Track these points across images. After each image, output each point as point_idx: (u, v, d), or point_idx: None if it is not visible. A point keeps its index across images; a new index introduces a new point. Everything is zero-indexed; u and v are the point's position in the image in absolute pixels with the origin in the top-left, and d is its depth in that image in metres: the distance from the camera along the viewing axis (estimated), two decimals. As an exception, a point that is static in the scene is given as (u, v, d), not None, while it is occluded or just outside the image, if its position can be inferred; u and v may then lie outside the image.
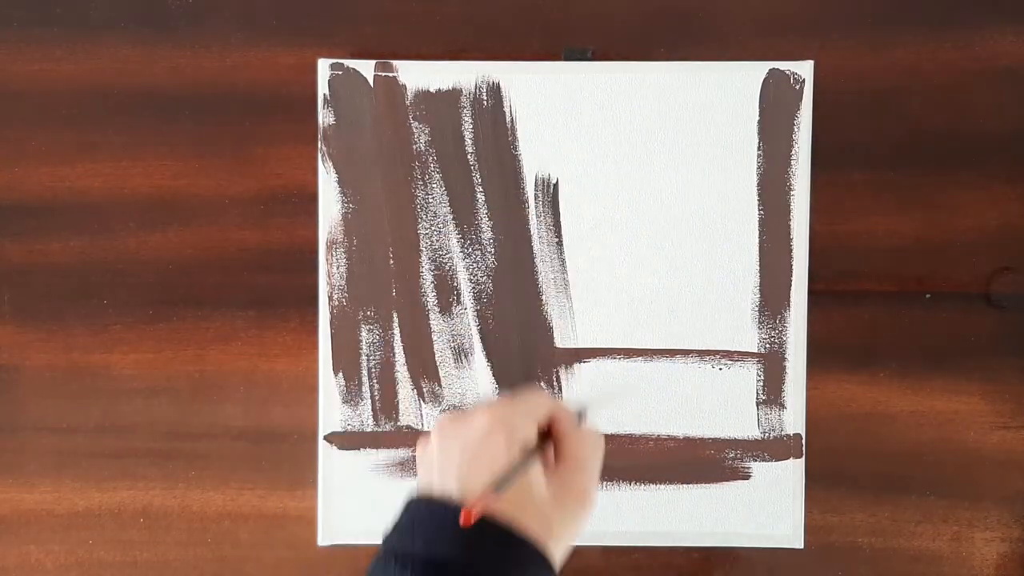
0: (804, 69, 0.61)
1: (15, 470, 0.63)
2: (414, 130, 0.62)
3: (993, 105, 0.62)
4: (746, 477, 0.62)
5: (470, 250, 0.62)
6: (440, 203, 0.62)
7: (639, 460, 0.62)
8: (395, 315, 0.62)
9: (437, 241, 0.62)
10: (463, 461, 0.43)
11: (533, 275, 0.62)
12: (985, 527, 0.62)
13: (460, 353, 0.62)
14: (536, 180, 0.62)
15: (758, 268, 0.62)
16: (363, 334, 0.62)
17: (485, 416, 0.44)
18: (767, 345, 0.62)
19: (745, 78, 0.61)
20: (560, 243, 0.62)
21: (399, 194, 0.62)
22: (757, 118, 0.61)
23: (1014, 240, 0.62)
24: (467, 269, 0.62)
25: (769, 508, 0.62)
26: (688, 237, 0.62)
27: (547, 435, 0.47)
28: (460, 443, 0.44)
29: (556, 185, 0.62)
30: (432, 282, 0.62)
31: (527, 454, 0.44)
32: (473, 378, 0.62)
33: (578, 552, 0.62)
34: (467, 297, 0.62)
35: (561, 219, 0.62)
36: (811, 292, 0.62)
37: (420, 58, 0.62)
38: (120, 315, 0.63)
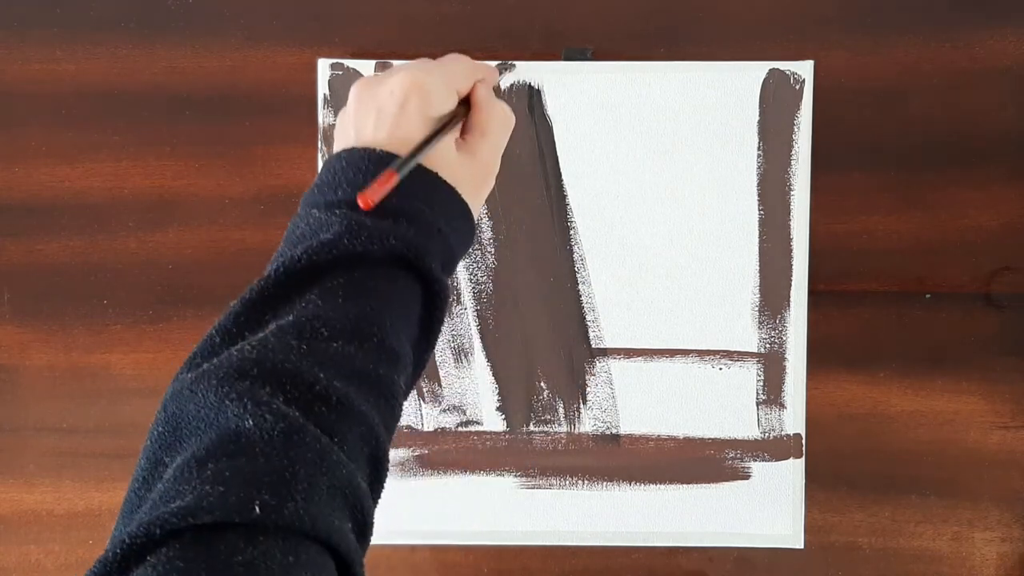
0: (804, 69, 0.61)
1: (15, 470, 0.63)
2: (414, 130, 0.62)
3: (993, 105, 0.62)
4: (746, 477, 0.62)
5: (470, 250, 0.62)
6: (440, 203, 0.62)
7: (639, 460, 0.62)
8: (395, 315, 0.62)
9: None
10: (379, 124, 0.43)
11: (534, 275, 0.62)
12: (985, 527, 0.62)
13: (460, 353, 0.62)
14: (535, 180, 0.62)
15: (758, 268, 0.62)
16: (363, 334, 0.62)
17: (404, 81, 0.43)
18: (767, 345, 0.62)
19: (745, 78, 0.61)
20: (571, 244, 0.62)
21: (399, 194, 0.62)
22: (757, 118, 0.61)
23: (1014, 240, 0.62)
24: (467, 269, 0.62)
25: (769, 508, 0.62)
26: (688, 237, 0.62)
27: (465, 101, 0.47)
28: (376, 106, 0.43)
29: (555, 185, 0.62)
30: (432, 282, 0.62)
31: (441, 124, 0.44)
32: (473, 378, 0.62)
33: (578, 552, 0.62)
34: (467, 297, 0.62)
35: (561, 219, 0.62)
36: (811, 292, 0.62)
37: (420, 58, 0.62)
38: (120, 315, 0.63)
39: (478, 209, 0.46)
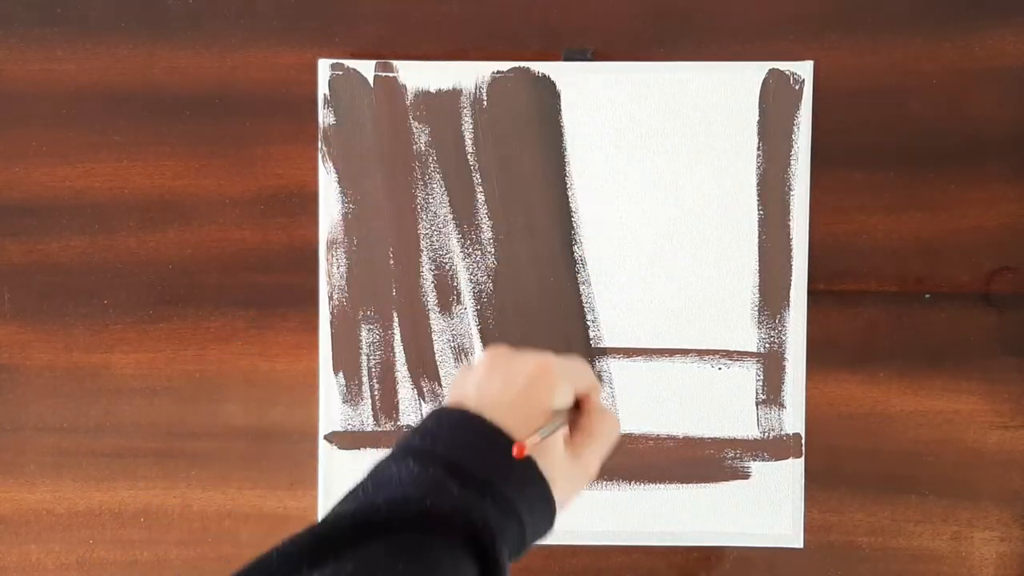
0: (804, 69, 0.61)
1: (15, 470, 0.63)
2: (414, 130, 0.62)
3: (993, 105, 0.62)
4: (746, 477, 0.62)
5: (470, 250, 0.62)
6: (440, 203, 0.62)
7: (639, 460, 0.62)
8: (395, 315, 0.62)
9: (437, 241, 0.62)
10: (504, 395, 0.43)
11: (534, 275, 0.62)
12: (985, 527, 0.62)
13: (460, 353, 0.62)
14: (535, 180, 0.62)
15: (758, 268, 0.62)
16: (363, 334, 0.62)
17: (537, 364, 0.45)
18: (767, 345, 0.62)
19: (745, 78, 0.61)
20: (571, 244, 0.62)
21: (399, 194, 0.62)
22: (757, 118, 0.61)
23: (1014, 240, 0.62)
24: (467, 269, 0.62)
25: (769, 507, 0.62)
26: (687, 237, 0.62)
27: (576, 404, 0.48)
28: (505, 377, 0.44)
29: (555, 185, 0.62)
30: (432, 282, 0.62)
31: (562, 414, 0.45)
32: (473, 378, 0.62)
33: (578, 552, 0.62)
34: (467, 297, 0.62)
35: (561, 219, 0.62)
36: (811, 292, 0.62)
37: (420, 58, 0.62)
38: (120, 315, 0.63)
39: (565, 507, 0.45)
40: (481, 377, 0.45)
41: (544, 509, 0.43)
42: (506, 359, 0.45)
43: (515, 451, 0.40)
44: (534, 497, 0.43)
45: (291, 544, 0.38)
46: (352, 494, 0.41)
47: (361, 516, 0.39)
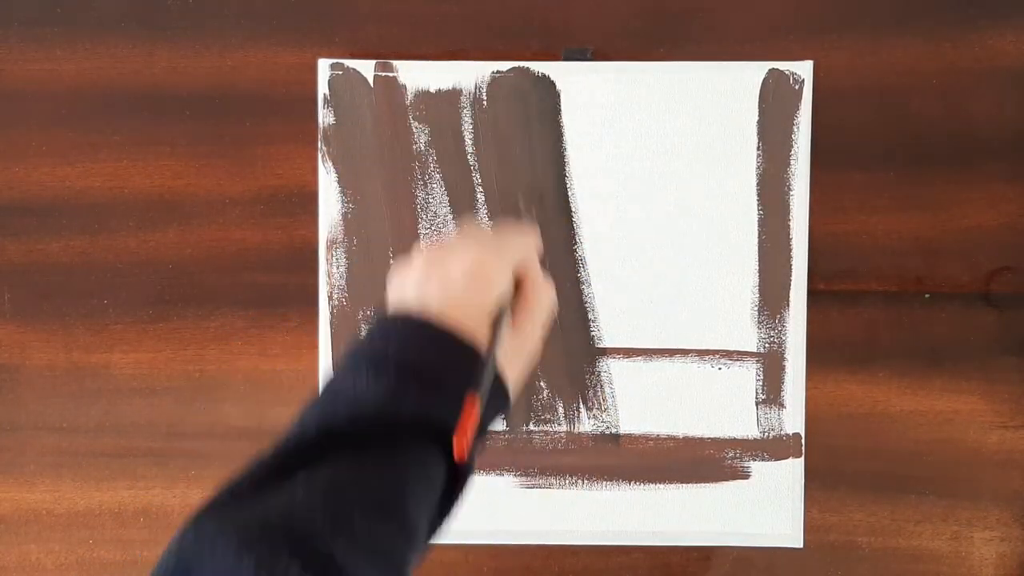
0: (804, 69, 0.61)
1: (15, 470, 0.63)
2: (414, 130, 0.62)
3: (993, 105, 0.62)
4: (746, 477, 0.62)
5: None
6: (440, 203, 0.62)
7: (639, 460, 0.62)
8: (395, 315, 0.62)
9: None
10: (445, 297, 0.43)
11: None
12: (984, 527, 0.62)
13: (460, 353, 0.62)
14: (535, 180, 0.62)
15: (757, 268, 0.62)
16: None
17: (473, 260, 0.44)
18: (766, 345, 0.62)
19: (745, 78, 0.61)
20: (571, 244, 0.62)
21: (399, 194, 0.62)
22: (757, 118, 0.61)
23: (1014, 240, 0.62)
24: (467, 269, 0.62)
25: (768, 507, 0.62)
26: (687, 236, 0.62)
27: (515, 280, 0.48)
28: (442, 278, 0.44)
29: (555, 185, 0.62)
30: (432, 282, 0.62)
31: (504, 307, 0.45)
32: (473, 378, 0.62)
33: (578, 552, 0.62)
34: (467, 297, 0.62)
35: (561, 219, 0.62)
36: (810, 292, 0.62)
37: (420, 58, 0.62)
38: (120, 315, 0.63)
39: (517, 390, 0.46)
40: (419, 280, 0.45)
41: (498, 395, 0.44)
42: (440, 257, 0.45)
43: (455, 453, 0.40)
44: (492, 389, 0.43)
45: (258, 464, 0.38)
46: (311, 409, 0.41)
47: (325, 428, 0.39)
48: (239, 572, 0.33)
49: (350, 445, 0.39)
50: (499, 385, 0.44)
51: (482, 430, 0.44)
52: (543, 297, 0.48)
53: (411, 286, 0.45)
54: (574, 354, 0.62)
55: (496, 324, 0.44)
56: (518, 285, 0.47)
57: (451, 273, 0.44)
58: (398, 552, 0.39)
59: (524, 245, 0.48)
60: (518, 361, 0.46)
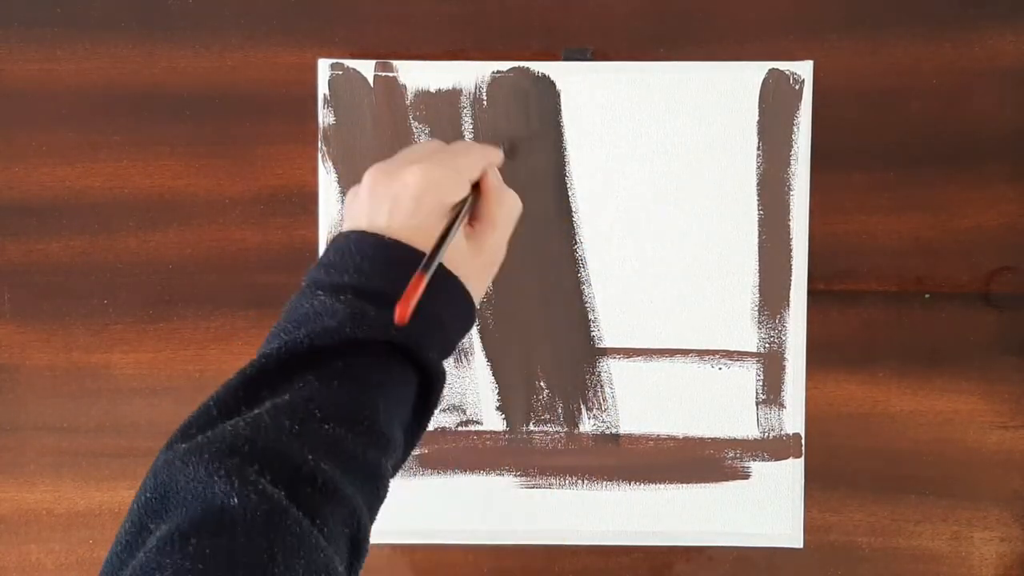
0: (804, 69, 0.61)
1: (15, 470, 0.63)
2: (414, 130, 0.62)
3: (993, 105, 0.62)
4: (746, 477, 0.62)
5: (470, 250, 0.62)
6: (440, 203, 0.62)
7: (639, 460, 0.62)
8: (395, 315, 0.62)
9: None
10: (396, 217, 0.44)
11: (534, 275, 0.62)
12: (984, 527, 0.62)
13: (460, 353, 0.62)
14: (535, 180, 0.62)
15: (757, 268, 0.62)
16: (363, 334, 0.62)
17: (418, 175, 0.44)
18: (766, 345, 0.62)
19: (745, 78, 0.61)
20: (571, 244, 0.62)
21: (399, 194, 0.62)
22: (757, 118, 0.61)
23: (1014, 240, 0.62)
24: (467, 269, 0.62)
25: (768, 508, 0.62)
26: (687, 237, 0.62)
27: (474, 188, 0.47)
28: (391, 195, 0.44)
29: (555, 185, 0.62)
30: (432, 282, 0.62)
31: (457, 213, 0.45)
32: (473, 378, 0.62)
33: (578, 552, 0.62)
34: (467, 297, 0.62)
35: (562, 219, 0.62)
36: (810, 292, 0.62)
37: (420, 58, 0.62)
38: (120, 315, 0.63)
39: (480, 297, 0.47)
40: (368, 205, 0.45)
41: (461, 305, 0.44)
42: (388, 178, 0.45)
43: (396, 316, 0.39)
44: (447, 295, 0.43)
45: (224, 390, 0.39)
46: (272, 336, 0.42)
47: (287, 353, 0.40)
48: (211, 486, 0.34)
49: (313, 367, 0.40)
50: (462, 294, 0.44)
51: (450, 343, 0.44)
52: (504, 204, 0.48)
53: (362, 213, 0.45)
54: (574, 354, 0.62)
55: (447, 229, 0.43)
56: (478, 192, 0.47)
57: (398, 190, 0.44)
58: (371, 458, 0.39)
59: (478, 155, 0.48)
60: (480, 269, 0.46)
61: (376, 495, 0.40)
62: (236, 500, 0.33)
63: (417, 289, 0.40)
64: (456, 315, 0.45)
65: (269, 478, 0.35)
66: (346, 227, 0.45)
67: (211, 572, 0.32)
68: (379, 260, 0.42)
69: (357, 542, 0.38)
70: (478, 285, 0.46)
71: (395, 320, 0.40)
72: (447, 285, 0.44)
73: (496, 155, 0.50)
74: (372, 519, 0.40)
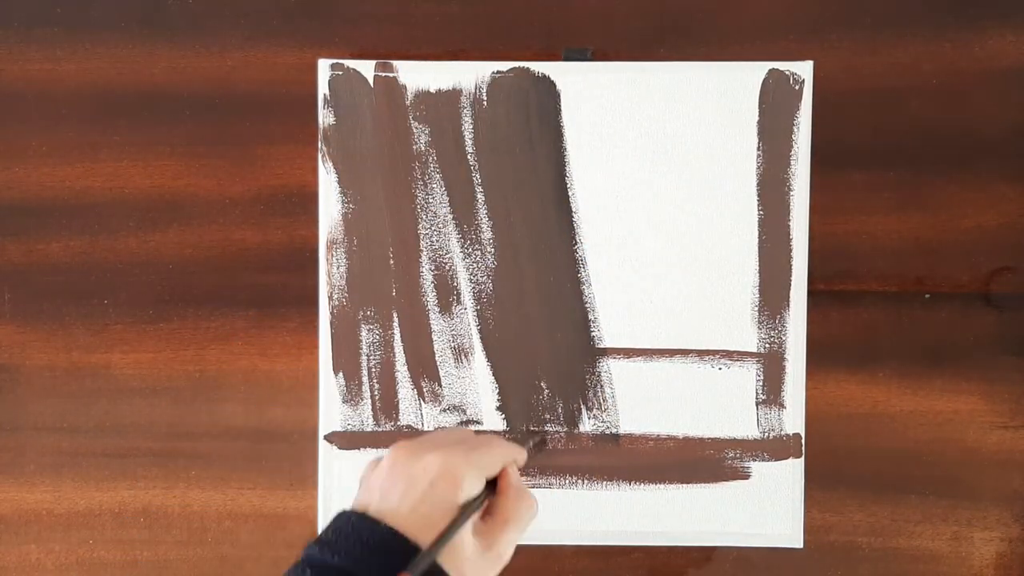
0: (804, 69, 0.61)
1: (15, 470, 0.63)
2: (414, 130, 0.62)
3: (993, 105, 0.62)
4: (746, 477, 0.62)
5: (470, 250, 0.62)
6: (440, 203, 0.62)
7: (639, 460, 0.62)
8: (395, 315, 0.62)
9: (437, 241, 0.62)
10: (406, 499, 0.44)
11: (534, 275, 0.62)
12: (984, 527, 0.62)
13: (460, 353, 0.62)
14: (536, 180, 0.62)
15: (757, 268, 0.62)
16: (363, 334, 0.62)
17: (440, 464, 0.44)
18: (766, 345, 0.62)
19: (745, 78, 0.61)
20: (571, 244, 0.62)
21: (399, 194, 0.62)
22: (757, 118, 0.61)
23: (1014, 240, 0.62)
24: (467, 269, 0.62)
25: (769, 508, 0.62)
26: (687, 237, 0.62)
27: (491, 484, 0.47)
28: (408, 480, 0.44)
29: (555, 185, 0.62)
30: (432, 282, 0.62)
31: (467, 510, 0.44)
32: (473, 378, 0.62)
33: (578, 552, 0.62)
34: (467, 297, 0.62)
35: (562, 219, 0.62)
36: (810, 292, 0.62)
37: (420, 58, 0.62)
38: (120, 315, 0.63)
39: None
40: (384, 480, 0.45)
41: None
42: (409, 459, 0.45)
43: None
44: None
45: None
46: None
47: None
48: None
49: None
50: None
51: None
52: (521, 507, 0.47)
53: (376, 486, 0.45)
54: (574, 354, 0.62)
55: (451, 524, 0.43)
56: (495, 489, 0.47)
57: (416, 477, 0.44)
58: None
59: (501, 455, 0.47)
60: (484, 569, 0.45)
61: None
62: None
63: None
64: None
65: None
66: (358, 500, 0.45)
67: None
68: (374, 548, 0.42)
69: None
70: None
71: None
72: None
73: (521, 454, 0.50)
74: None
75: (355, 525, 0.43)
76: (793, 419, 0.62)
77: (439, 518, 0.43)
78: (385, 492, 0.44)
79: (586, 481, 0.62)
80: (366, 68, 0.62)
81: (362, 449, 0.62)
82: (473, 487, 0.45)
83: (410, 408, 0.62)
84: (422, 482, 0.44)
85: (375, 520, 0.43)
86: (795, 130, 0.61)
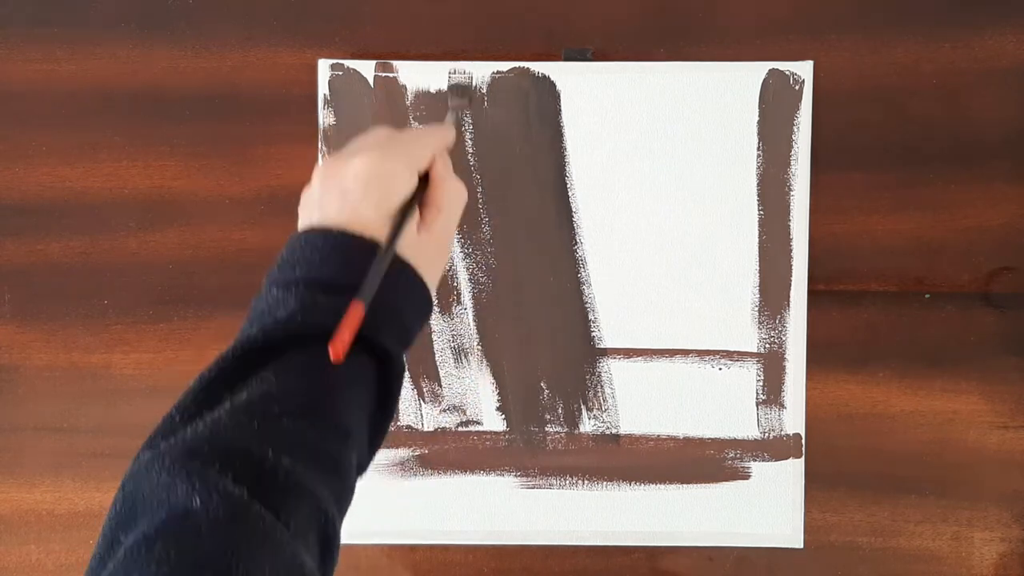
0: (804, 69, 0.61)
1: (15, 470, 0.63)
2: (414, 130, 0.62)
3: (993, 105, 0.62)
4: (746, 477, 0.62)
5: (470, 250, 0.62)
6: (440, 203, 0.62)
7: (639, 460, 0.62)
8: (395, 315, 0.62)
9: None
10: (345, 206, 0.43)
11: (534, 275, 0.62)
12: (985, 527, 0.62)
13: (460, 353, 0.62)
14: (536, 180, 0.62)
15: (758, 268, 0.62)
16: (363, 334, 0.62)
17: (366, 164, 0.44)
18: (767, 345, 0.62)
19: (745, 78, 0.61)
20: (571, 244, 0.62)
21: (399, 194, 0.62)
22: (757, 118, 0.61)
23: (1014, 240, 0.62)
24: (467, 269, 0.62)
25: (769, 508, 0.62)
26: (687, 237, 0.62)
27: (423, 176, 0.47)
28: (340, 188, 0.44)
29: (556, 185, 0.62)
30: (432, 282, 0.62)
31: (408, 205, 0.45)
32: (473, 378, 0.62)
33: (578, 552, 0.62)
34: (467, 297, 0.62)
35: (563, 219, 0.62)
36: (811, 292, 0.62)
37: (420, 58, 0.62)
38: (120, 315, 0.63)
39: (435, 283, 0.47)
40: (320, 196, 0.45)
41: (417, 293, 0.44)
42: (337, 170, 0.45)
43: (332, 354, 0.39)
44: (400, 282, 0.43)
45: (185, 396, 0.39)
46: (235, 339, 0.42)
47: (242, 350, 0.40)
48: (174, 490, 0.34)
49: (270, 362, 0.40)
50: (417, 282, 0.44)
51: (408, 332, 0.44)
52: (451, 193, 0.47)
53: (313, 203, 0.45)
54: (574, 354, 0.62)
55: (398, 221, 0.43)
56: (426, 182, 0.47)
57: (347, 182, 0.44)
58: (331, 450, 0.39)
59: (428, 144, 0.47)
60: (432, 258, 0.46)
61: (342, 486, 0.40)
62: (199, 502, 0.34)
63: (355, 320, 0.40)
64: (412, 303, 0.44)
65: (231, 477, 0.35)
66: (300, 224, 0.46)
67: (177, 574, 0.32)
68: (328, 251, 0.42)
69: (327, 537, 0.38)
70: (432, 273, 0.46)
71: (331, 359, 0.39)
72: (401, 273, 0.44)
73: (449, 136, 0.50)
74: (342, 512, 0.40)
75: (307, 239, 0.43)
76: (793, 419, 0.62)
77: (381, 219, 0.43)
78: (324, 207, 0.44)
79: (586, 481, 0.62)
80: (366, 68, 0.62)
81: (362, 449, 0.62)
82: (406, 185, 0.45)
83: (410, 408, 0.62)
84: (356, 189, 0.43)
85: (324, 229, 0.43)
86: (795, 130, 0.61)
